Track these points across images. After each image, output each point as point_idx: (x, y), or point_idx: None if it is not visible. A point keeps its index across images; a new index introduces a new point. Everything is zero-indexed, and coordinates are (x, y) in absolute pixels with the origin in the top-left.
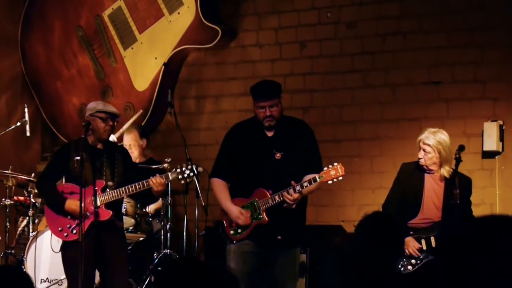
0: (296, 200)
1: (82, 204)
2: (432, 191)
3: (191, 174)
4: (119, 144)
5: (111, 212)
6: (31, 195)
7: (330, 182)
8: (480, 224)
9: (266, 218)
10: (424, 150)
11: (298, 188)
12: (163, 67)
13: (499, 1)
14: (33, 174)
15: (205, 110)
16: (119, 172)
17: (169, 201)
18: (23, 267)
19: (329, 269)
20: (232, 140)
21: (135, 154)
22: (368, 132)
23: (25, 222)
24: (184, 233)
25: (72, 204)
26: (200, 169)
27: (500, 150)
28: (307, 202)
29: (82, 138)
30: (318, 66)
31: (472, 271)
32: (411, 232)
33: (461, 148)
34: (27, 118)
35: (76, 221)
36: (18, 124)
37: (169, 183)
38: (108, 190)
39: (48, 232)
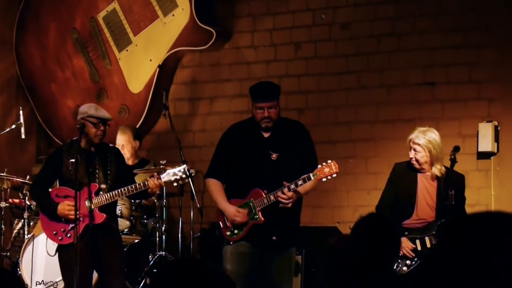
0: (292, 198)
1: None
2: (425, 190)
3: (184, 176)
4: (111, 145)
5: (104, 215)
6: (26, 198)
7: (324, 179)
8: (475, 220)
9: (262, 218)
10: (414, 150)
11: (292, 186)
12: (158, 69)
13: (494, 2)
14: (28, 177)
15: (200, 112)
16: (112, 175)
17: (164, 203)
18: (18, 269)
19: (324, 270)
20: (228, 141)
21: (126, 155)
22: (363, 133)
23: (20, 224)
24: (180, 235)
25: (64, 209)
26: (192, 171)
27: (495, 151)
28: (301, 203)
29: (74, 140)
30: (313, 67)
31: (468, 268)
32: (406, 233)
33: (456, 149)
34: (22, 120)
35: (70, 224)
36: (13, 126)
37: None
38: (101, 193)
39: (44, 235)
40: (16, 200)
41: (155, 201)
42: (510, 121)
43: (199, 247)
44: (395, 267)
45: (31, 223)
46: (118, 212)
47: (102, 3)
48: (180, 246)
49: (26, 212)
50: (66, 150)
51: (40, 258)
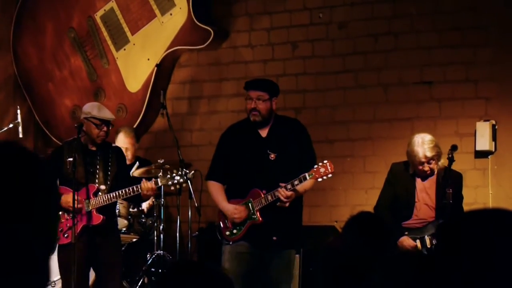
0: (290, 198)
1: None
2: (424, 191)
3: (181, 180)
4: (113, 145)
5: (101, 216)
6: None
7: (320, 179)
8: (473, 219)
9: (260, 218)
10: (428, 163)
11: (289, 186)
12: (156, 68)
13: (491, 1)
14: None
15: (198, 111)
16: (112, 175)
17: (162, 202)
18: None
19: (321, 269)
20: (227, 141)
21: (129, 157)
22: (360, 132)
23: None
24: (177, 234)
25: (67, 201)
26: (190, 175)
27: (493, 150)
28: (302, 203)
29: (75, 139)
30: (310, 67)
31: (468, 268)
32: (406, 233)
33: (454, 148)
34: (19, 119)
35: (68, 225)
36: (11, 125)
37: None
38: (100, 194)
39: None
40: None
41: (153, 200)
42: (507, 120)
43: (197, 246)
44: None
45: None
46: (116, 211)
47: (99, 2)
48: (178, 245)
49: None
50: (67, 149)
51: None
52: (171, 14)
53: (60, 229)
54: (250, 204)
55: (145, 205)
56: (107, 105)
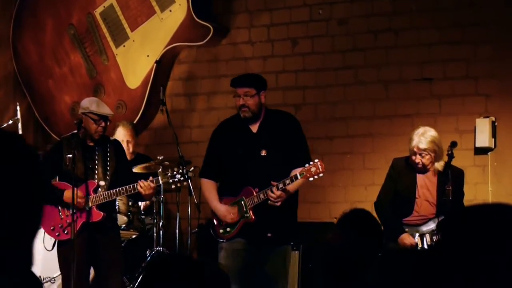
0: (280, 197)
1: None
2: (425, 187)
3: (182, 178)
4: (111, 138)
5: (102, 213)
6: None
7: (311, 179)
8: (473, 215)
9: (253, 217)
10: (420, 155)
11: (280, 186)
12: (155, 64)
13: None
14: None
15: (197, 108)
16: (112, 170)
17: (161, 199)
18: None
19: (320, 265)
20: (218, 138)
21: (130, 151)
22: (360, 129)
23: None
24: (177, 231)
25: (70, 193)
26: (190, 174)
27: (493, 147)
28: (297, 198)
29: (73, 135)
30: (310, 63)
31: (469, 264)
32: (406, 229)
33: (454, 144)
34: (19, 116)
35: (68, 221)
36: (10, 122)
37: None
38: (100, 190)
39: (41, 230)
40: None
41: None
42: (507, 116)
43: (197, 242)
44: None
45: None
46: (115, 207)
47: None
48: (177, 241)
49: None
50: (66, 144)
51: (38, 254)
52: (170, 11)
53: (60, 225)
54: (242, 202)
55: (142, 204)
56: (107, 102)
